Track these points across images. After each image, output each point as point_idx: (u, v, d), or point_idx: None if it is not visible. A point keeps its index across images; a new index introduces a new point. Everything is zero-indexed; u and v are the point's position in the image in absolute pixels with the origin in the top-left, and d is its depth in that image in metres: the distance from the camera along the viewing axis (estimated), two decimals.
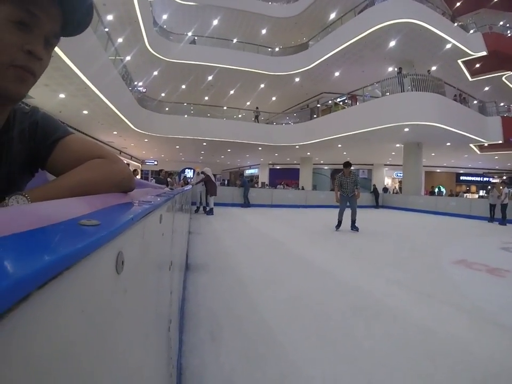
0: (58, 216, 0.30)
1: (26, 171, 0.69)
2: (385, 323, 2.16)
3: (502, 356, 1.77)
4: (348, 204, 7.17)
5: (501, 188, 10.43)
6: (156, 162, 28.62)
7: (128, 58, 15.84)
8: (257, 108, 19.73)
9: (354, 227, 7.02)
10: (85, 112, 11.75)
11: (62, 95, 9.71)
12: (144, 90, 19.23)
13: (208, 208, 9.73)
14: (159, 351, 0.67)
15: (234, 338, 1.88)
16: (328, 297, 2.66)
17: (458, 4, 15.60)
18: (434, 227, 9.13)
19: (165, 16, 18.94)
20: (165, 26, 18.72)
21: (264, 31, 20.52)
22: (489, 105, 16.51)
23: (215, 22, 19.72)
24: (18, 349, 0.14)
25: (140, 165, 28.72)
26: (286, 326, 2.07)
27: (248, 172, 33.47)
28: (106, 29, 11.94)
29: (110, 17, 12.79)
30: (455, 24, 15.21)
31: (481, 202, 12.74)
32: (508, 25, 16.79)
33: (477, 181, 25.05)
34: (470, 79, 16.90)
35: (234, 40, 20.02)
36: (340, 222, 7.12)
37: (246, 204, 13.14)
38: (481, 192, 23.14)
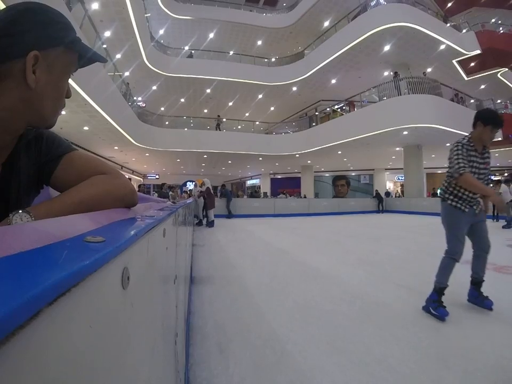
0: (63, 233, 0.30)
1: (33, 188, 0.71)
2: (395, 328, 2.13)
3: None
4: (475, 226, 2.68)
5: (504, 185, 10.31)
6: (157, 176, 28.69)
7: (127, 73, 16.07)
8: (218, 116, 19.50)
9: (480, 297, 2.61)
10: (86, 128, 11.85)
11: (63, 112, 9.71)
12: (144, 105, 19.43)
13: (208, 221, 9.66)
14: (166, 364, 0.67)
15: (242, 349, 1.86)
16: (336, 304, 2.63)
17: (449, 4, 15.84)
18: (438, 228, 9.04)
19: (161, 31, 19.30)
20: (162, 41, 19.08)
21: (259, 42, 20.83)
22: (487, 103, 16.56)
23: (211, 35, 20.06)
24: (30, 364, 0.15)
25: (141, 179, 28.83)
26: (294, 334, 2.05)
27: (249, 182, 33.54)
28: (105, 46, 12.16)
29: (107, 34, 13.02)
30: (448, 24, 15.41)
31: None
32: (499, 22, 16.95)
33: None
34: (466, 78, 17.02)
35: (231, 53, 20.31)
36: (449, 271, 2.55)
37: (229, 214, 12.86)
38: None
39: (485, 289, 2.72)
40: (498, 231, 8.21)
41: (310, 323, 2.24)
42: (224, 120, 19.54)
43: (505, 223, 9.29)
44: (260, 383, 1.53)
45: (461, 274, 2.77)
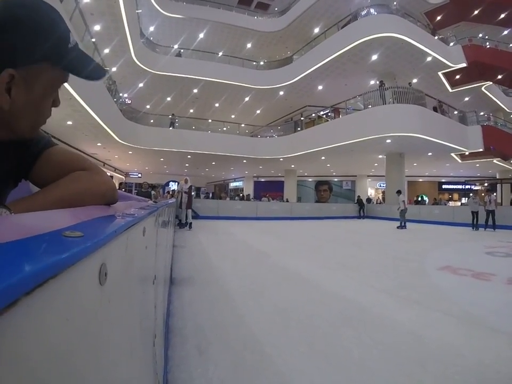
0: (42, 228, 0.30)
1: (10, 181, 0.68)
2: (374, 331, 2.16)
3: (492, 357, 1.80)
4: None
5: (485, 195, 10.81)
6: (140, 175, 28.26)
7: (114, 69, 15.80)
8: (173, 114, 19.04)
9: None
10: (69, 122, 11.57)
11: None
12: (129, 102, 19.11)
13: (185, 221, 9.30)
14: (144, 365, 0.66)
15: (222, 351, 1.85)
16: (316, 307, 2.65)
17: (439, 18, 16.27)
18: (418, 234, 9.29)
19: (151, 28, 19.06)
20: (151, 38, 18.83)
21: (249, 45, 20.87)
22: (470, 115, 17.07)
23: (201, 35, 19.96)
24: (7, 350, 0.15)
25: (123, 177, 28.33)
26: (273, 337, 2.05)
27: (232, 184, 33.45)
28: (93, 39, 11.93)
29: (97, 28, 12.77)
30: (436, 37, 15.83)
31: (463, 209, 13.13)
32: (486, 37, 17.46)
33: (459, 188, 25.66)
34: (451, 90, 17.49)
35: (220, 54, 20.26)
36: None
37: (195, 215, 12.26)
38: (464, 200, 23.74)
39: (462, 295, 2.81)
40: (477, 238, 8.43)
41: (290, 326, 2.25)
42: (177, 118, 19.02)
43: (399, 224, 11.50)
44: None
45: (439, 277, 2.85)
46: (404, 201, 11.59)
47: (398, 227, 11.48)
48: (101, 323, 0.32)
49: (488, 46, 16.81)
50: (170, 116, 18.57)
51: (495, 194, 10.82)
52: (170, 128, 18.17)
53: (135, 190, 25.01)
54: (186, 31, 19.31)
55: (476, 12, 16.04)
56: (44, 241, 0.26)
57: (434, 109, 15.29)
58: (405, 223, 11.50)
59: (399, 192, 12.15)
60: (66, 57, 0.60)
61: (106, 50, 14.36)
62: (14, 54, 0.53)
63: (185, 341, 1.96)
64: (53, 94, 0.63)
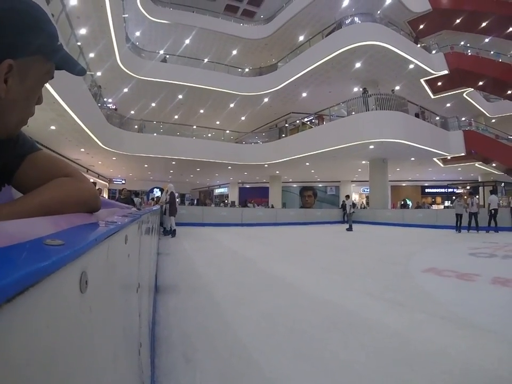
0: (23, 235, 0.30)
1: None
2: (359, 334, 2.18)
3: (478, 356, 1.84)
4: None
5: (469, 198, 11.12)
6: (123, 181, 27.82)
7: (99, 73, 15.64)
8: (141, 119, 19.25)
9: None
10: (53, 127, 11.34)
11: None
12: (115, 107, 18.88)
13: (169, 228, 9.07)
14: (129, 374, 0.65)
15: (209, 358, 1.84)
16: (302, 312, 2.66)
17: (421, 26, 16.76)
18: (402, 238, 9.45)
19: (137, 33, 19.00)
20: (137, 43, 18.74)
21: (235, 52, 21.01)
22: (451, 120, 17.61)
23: (187, 41, 19.98)
24: None
25: (107, 183, 27.85)
26: (260, 343, 2.05)
27: (217, 191, 33.36)
28: (79, 43, 11.79)
29: (83, 31, 12.65)
30: (419, 45, 16.31)
31: (446, 212, 13.44)
32: (468, 45, 18.08)
33: (442, 192, 26.26)
34: (433, 97, 17.98)
35: (205, 60, 20.30)
36: None
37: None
38: (446, 203, 24.30)
39: (447, 295, 2.85)
40: (461, 239, 8.63)
41: (276, 331, 2.25)
42: (145, 122, 19.11)
43: (348, 226, 12.14)
44: None
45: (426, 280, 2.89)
46: (351, 205, 12.34)
47: (347, 229, 12.08)
48: (83, 331, 0.32)
49: (469, 54, 17.43)
50: (139, 120, 18.47)
51: (477, 197, 11.12)
52: (155, 134, 18.08)
53: (119, 196, 24.56)
54: (172, 37, 19.31)
55: (458, 21, 16.67)
56: (25, 249, 0.26)
57: (416, 115, 15.69)
58: (350, 225, 12.14)
59: (347, 196, 13.02)
60: (57, 52, 0.65)
61: (92, 54, 14.25)
62: (13, 45, 0.56)
63: (172, 349, 1.93)
64: (40, 90, 0.67)
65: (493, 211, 10.94)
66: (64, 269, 0.26)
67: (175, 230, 8.94)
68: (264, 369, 1.72)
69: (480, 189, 19.67)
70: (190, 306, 2.79)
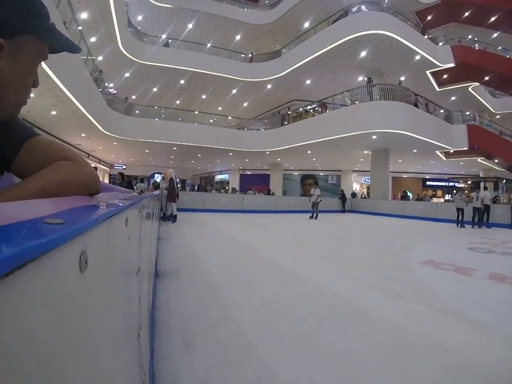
0: (23, 216, 0.30)
1: None
2: (358, 324, 2.20)
3: (475, 349, 1.86)
4: None
5: (471, 191, 11.03)
6: (124, 167, 27.80)
7: (100, 58, 15.43)
8: (126, 98, 18.76)
9: None
10: (54, 112, 11.28)
11: (31, 94, 9.22)
12: (115, 92, 18.69)
13: (168, 214, 9.06)
14: (129, 357, 0.65)
15: (207, 344, 1.86)
16: (300, 300, 2.68)
17: (429, 18, 16.45)
18: (401, 229, 9.48)
19: (139, 18, 18.64)
20: (139, 28, 18.38)
21: (238, 37, 20.65)
22: (456, 114, 17.37)
23: (190, 26, 19.63)
24: None
25: (108, 168, 27.85)
26: (259, 330, 2.07)
27: (218, 177, 33.34)
28: (80, 27, 11.59)
29: (84, 16, 12.41)
30: (425, 36, 15.98)
31: (446, 205, 13.41)
32: (476, 39, 17.77)
33: (443, 185, 26.19)
34: (438, 89, 17.74)
35: (208, 45, 19.96)
36: None
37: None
38: (447, 196, 24.27)
39: (445, 288, 2.87)
40: (460, 233, 8.67)
41: (275, 319, 2.27)
42: (134, 105, 18.75)
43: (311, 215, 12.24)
44: (225, 378, 1.53)
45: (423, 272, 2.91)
46: (318, 195, 12.33)
47: (310, 217, 12.25)
48: (82, 311, 0.31)
49: (477, 48, 17.13)
50: (125, 99, 18.18)
51: (486, 192, 10.88)
52: (156, 120, 17.91)
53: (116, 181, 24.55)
54: (175, 21, 18.98)
55: (466, 14, 16.33)
56: (25, 228, 0.27)
57: (415, 105, 15.46)
58: (317, 214, 12.24)
59: (316, 183, 13.03)
60: (49, 32, 0.64)
61: (93, 39, 14.01)
62: (5, 24, 0.55)
63: (171, 334, 1.95)
64: (34, 70, 0.66)
65: (484, 206, 10.86)
66: (64, 247, 0.26)
67: (176, 215, 8.92)
68: (263, 356, 1.74)
69: (481, 184, 19.67)
70: (190, 291, 2.81)
